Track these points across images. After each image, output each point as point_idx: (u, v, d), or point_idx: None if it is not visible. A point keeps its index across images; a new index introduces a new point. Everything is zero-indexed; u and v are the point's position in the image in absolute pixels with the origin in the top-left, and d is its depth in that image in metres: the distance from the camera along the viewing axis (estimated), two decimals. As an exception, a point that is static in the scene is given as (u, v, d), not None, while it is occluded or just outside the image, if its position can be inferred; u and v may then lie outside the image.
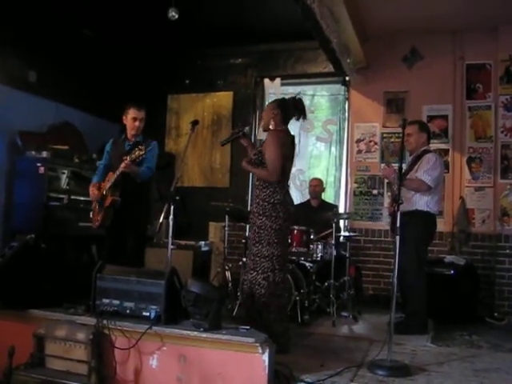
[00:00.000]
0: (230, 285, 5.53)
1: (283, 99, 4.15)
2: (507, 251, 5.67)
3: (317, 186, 6.34)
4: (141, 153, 4.25)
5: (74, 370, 3.15)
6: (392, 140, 6.59)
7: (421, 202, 4.72)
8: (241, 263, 5.17)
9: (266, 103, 7.22)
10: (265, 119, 4.08)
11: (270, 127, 4.00)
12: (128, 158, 4.30)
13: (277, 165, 3.78)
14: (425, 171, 4.69)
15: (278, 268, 3.76)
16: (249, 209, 6.89)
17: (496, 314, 5.63)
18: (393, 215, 4.63)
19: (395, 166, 4.41)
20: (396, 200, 3.70)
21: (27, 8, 5.82)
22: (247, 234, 4.12)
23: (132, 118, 4.65)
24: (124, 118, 4.71)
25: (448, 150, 6.33)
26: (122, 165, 4.33)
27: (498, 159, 6.07)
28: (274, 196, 3.80)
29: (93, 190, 4.66)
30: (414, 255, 4.58)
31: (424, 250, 4.84)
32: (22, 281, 3.44)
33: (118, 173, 4.41)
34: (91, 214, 4.76)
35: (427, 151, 4.87)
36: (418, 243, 4.66)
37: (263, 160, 3.85)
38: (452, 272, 5.41)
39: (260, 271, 3.74)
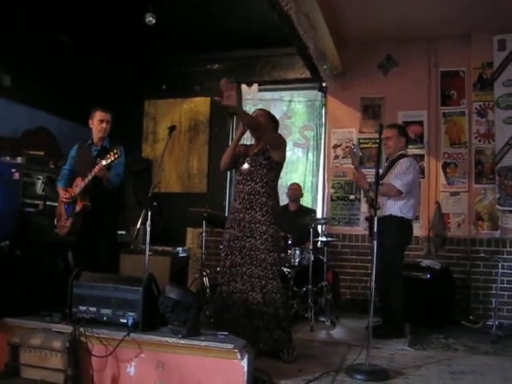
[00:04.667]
0: (207, 291, 5.50)
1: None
2: (482, 255, 5.74)
3: (296, 190, 6.41)
4: (116, 157, 4.20)
5: (49, 379, 3.10)
6: (369, 145, 6.65)
7: (394, 208, 4.69)
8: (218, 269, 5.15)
9: (244, 109, 7.24)
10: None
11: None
12: (103, 161, 4.24)
13: None
14: (396, 175, 4.66)
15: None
16: (226, 214, 6.90)
17: (471, 317, 5.71)
18: (369, 220, 4.67)
19: (365, 171, 4.42)
20: (372, 205, 3.72)
21: (1, 12, 5.73)
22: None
23: (99, 120, 4.62)
24: (90, 121, 4.68)
25: (423, 155, 6.41)
26: (96, 168, 4.27)
27: (473, 164, 6.16)
28: None
29: (65, 194, 4.57)
30: (389, 260, 4.59)
31: (400, 255, 4.82)
32: (-4, 288, 3.38)
33: (90, 177, 4.34)
34: (56, 220, 4.69)
35: (403, 155, 4.84)
36: (393, 248, 4.64)
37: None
38: (428, 276, 5.46)
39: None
